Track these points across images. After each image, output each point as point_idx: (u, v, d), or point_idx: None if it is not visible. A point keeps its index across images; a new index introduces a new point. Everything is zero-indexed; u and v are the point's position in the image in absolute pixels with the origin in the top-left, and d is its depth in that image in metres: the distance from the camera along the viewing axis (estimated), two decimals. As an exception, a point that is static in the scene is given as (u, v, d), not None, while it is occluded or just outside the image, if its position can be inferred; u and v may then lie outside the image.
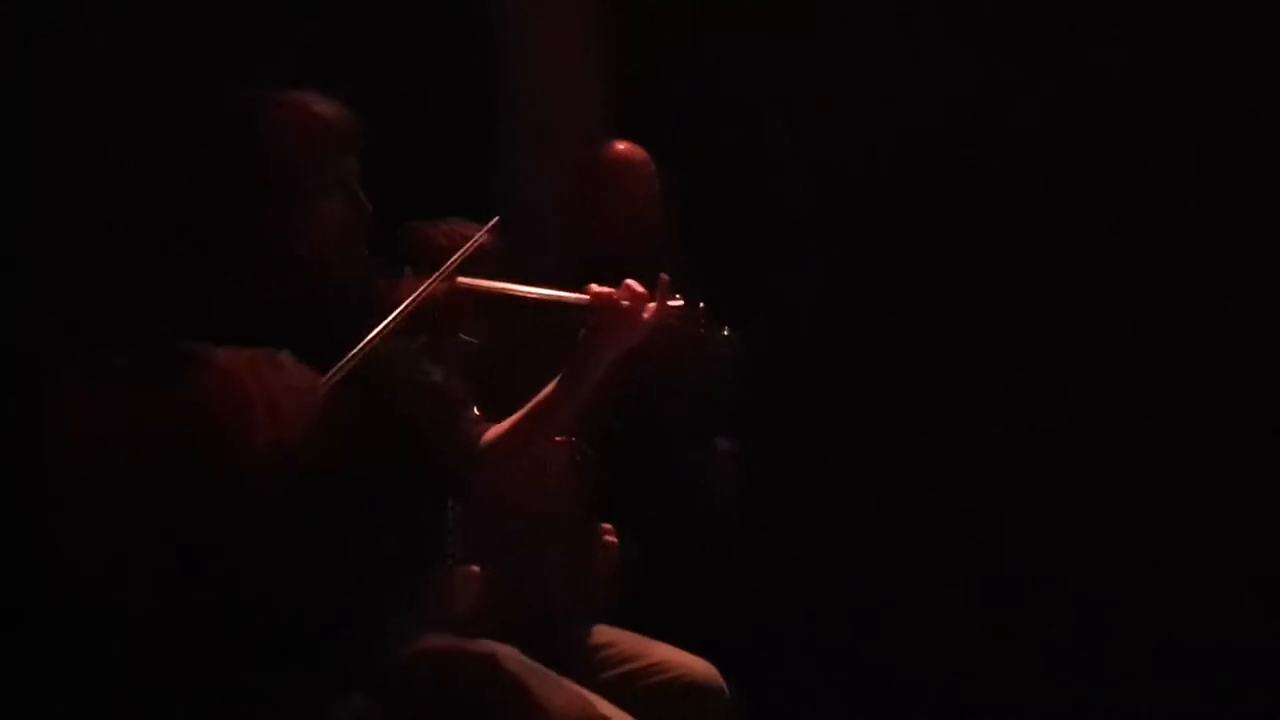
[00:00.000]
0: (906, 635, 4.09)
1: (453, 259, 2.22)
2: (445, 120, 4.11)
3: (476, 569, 2.62)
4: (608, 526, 2.83)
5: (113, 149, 3.00)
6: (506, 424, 2.27)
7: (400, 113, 3.88)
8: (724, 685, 2.65)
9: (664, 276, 2.28)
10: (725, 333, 2.35)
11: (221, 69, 3.17)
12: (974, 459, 4.18)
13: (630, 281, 2.24)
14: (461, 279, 2.23)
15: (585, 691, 2.28)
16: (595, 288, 2.23)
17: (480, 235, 2.33)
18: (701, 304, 2.33)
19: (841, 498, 4.19)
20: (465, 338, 2.27)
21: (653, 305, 2.23)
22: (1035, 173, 4.20)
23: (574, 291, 2.28)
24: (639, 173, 3.78)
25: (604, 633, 2.73)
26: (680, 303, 2.30)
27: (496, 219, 2.44)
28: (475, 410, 2.34)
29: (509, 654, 2.27)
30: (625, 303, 2.21)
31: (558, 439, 2.62)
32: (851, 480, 4.19)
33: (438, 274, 2.18)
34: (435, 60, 4.18)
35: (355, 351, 1.96)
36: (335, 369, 1.96)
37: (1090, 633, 4.07)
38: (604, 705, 2.31)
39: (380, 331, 2.00)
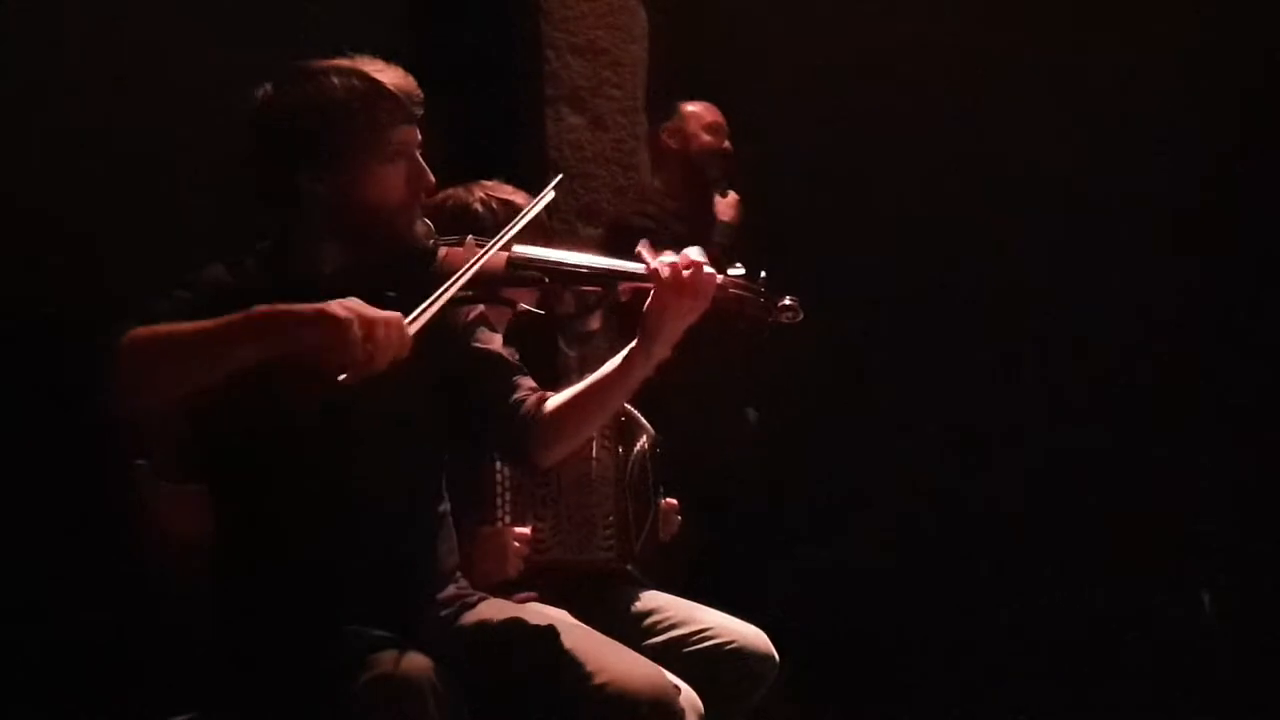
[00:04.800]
0: (948, 610, 4.11)
1: (513, 224, 2.21)
2: (484, 83, 4.10)
3: (526, 530, 2.63)
4: (673, 503, 2.83)
5: (176, 114, 3.03)
6: (569, 394, 2.25)
7: (437, 76, 3.91)
8: (774, 652, 2.64)
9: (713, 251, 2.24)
10: (787, 301, 2.30)
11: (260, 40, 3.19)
12: (1012, 439, 4.20)
13: (692, 250, 2.18)
14: (519, 250, 2.21)
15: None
16: (657, 262, 2.17)
17: (540, 199, 2.31)
18: (763, 273, 2.28)
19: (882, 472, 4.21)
20: (526, 307, 2.26)
21: (715, 275, 2.19)
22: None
23: (629, 259, 2.25)
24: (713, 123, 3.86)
25: (654, 598, 2.73)
26: (741, 270, 2.26)
27: (558, 178, 2.43)
28: (531, 379, 2.33)
29: (572, 623, 2.27)
30: (687, 273, 2.16)
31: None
32: (892, 453, 4.21)
33: (496, 240, 2.17)
34: (475, 23, 4.18)
35: (419, 311, 1.95)
36: (410, 319, 1.97)
37: (1113, 613, 4.09)
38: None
39: (442, 294, 1.99)
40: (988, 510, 4.22)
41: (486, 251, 2.15)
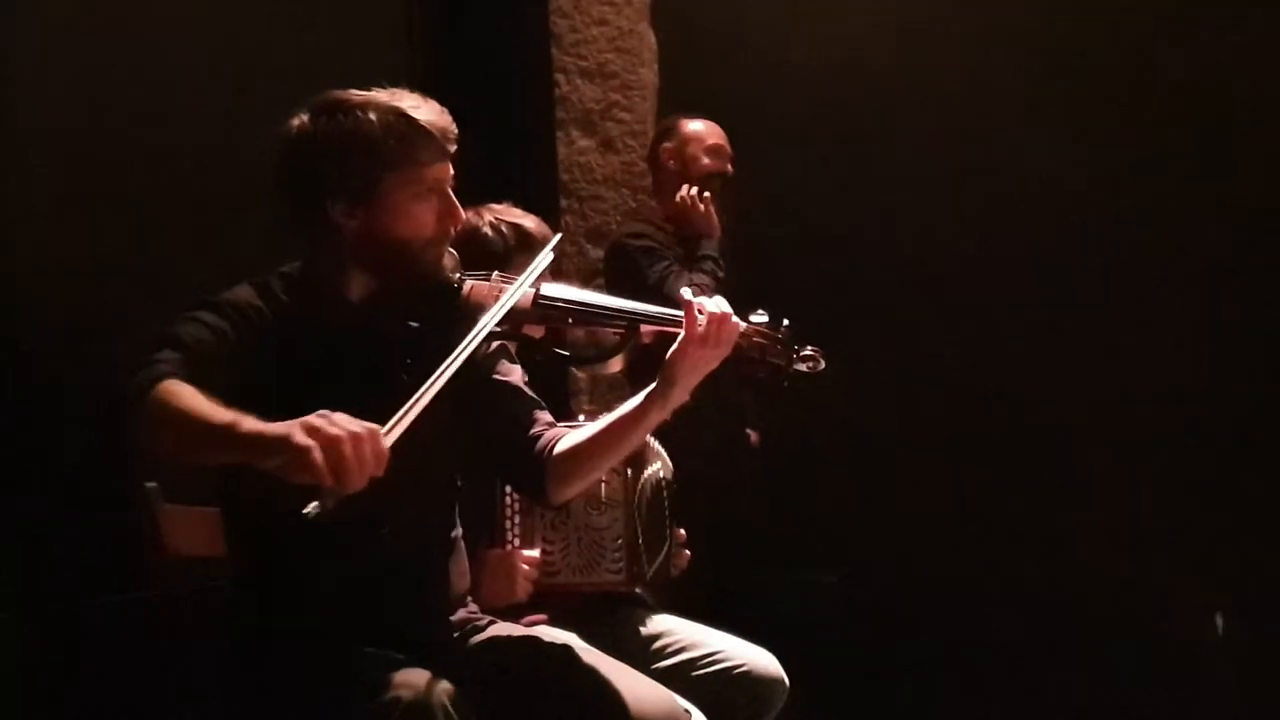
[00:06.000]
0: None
1: (535, 264, 2.21)
2: (494, 106, 4.11)
3: (535, 553, 2.63)
4: (681, 534, 2.84)
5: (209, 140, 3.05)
6: (585, 433, 2.25)
7: (447, 99, 3.92)
8: (784, 676, 2.64)
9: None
10: (808, 351, 2.29)
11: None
12: (1016, 453, 4.20)
13: (718, 299, 2.19)
14: (546, 289, 2.21)
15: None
16: (686, 309, 2.16)
17: (553, 243, 2.32)
18: (785, 321, 2.27)
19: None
20: (554, 349, 2.25)
21: (739, 325, 2.19)
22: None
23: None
24: (714, 146, 3.81)
25: (663, 621, 2.73)
26: (765, 318, 2.26)
27: (557, 237, 2.43)
28: (548, 412, 2.34)
29: (582, 646, 2.27)
30: (712, 321, 2.15)
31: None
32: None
33: (523, 279, 2.17)
34: (485, 46, 4.19)
35: (396, 419, 1.89)
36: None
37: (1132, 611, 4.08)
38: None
39: (419, 398, 1.93)
40: (994, 524, 4.21)
41: (513, 293, 2.12)
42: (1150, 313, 4.22)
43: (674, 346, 2.17)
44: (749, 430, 3.97)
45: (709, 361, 2.17)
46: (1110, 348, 4.24)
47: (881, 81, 4.37)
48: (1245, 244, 4.19)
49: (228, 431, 1.85)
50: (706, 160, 3.80)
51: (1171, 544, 4.08)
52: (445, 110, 2.20)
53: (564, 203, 4.19)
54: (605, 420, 2.25)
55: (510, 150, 4.01)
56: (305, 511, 1.77)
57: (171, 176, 3.13)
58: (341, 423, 1.80)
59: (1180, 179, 4.22)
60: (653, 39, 4.35)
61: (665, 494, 2.78)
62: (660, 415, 2.20)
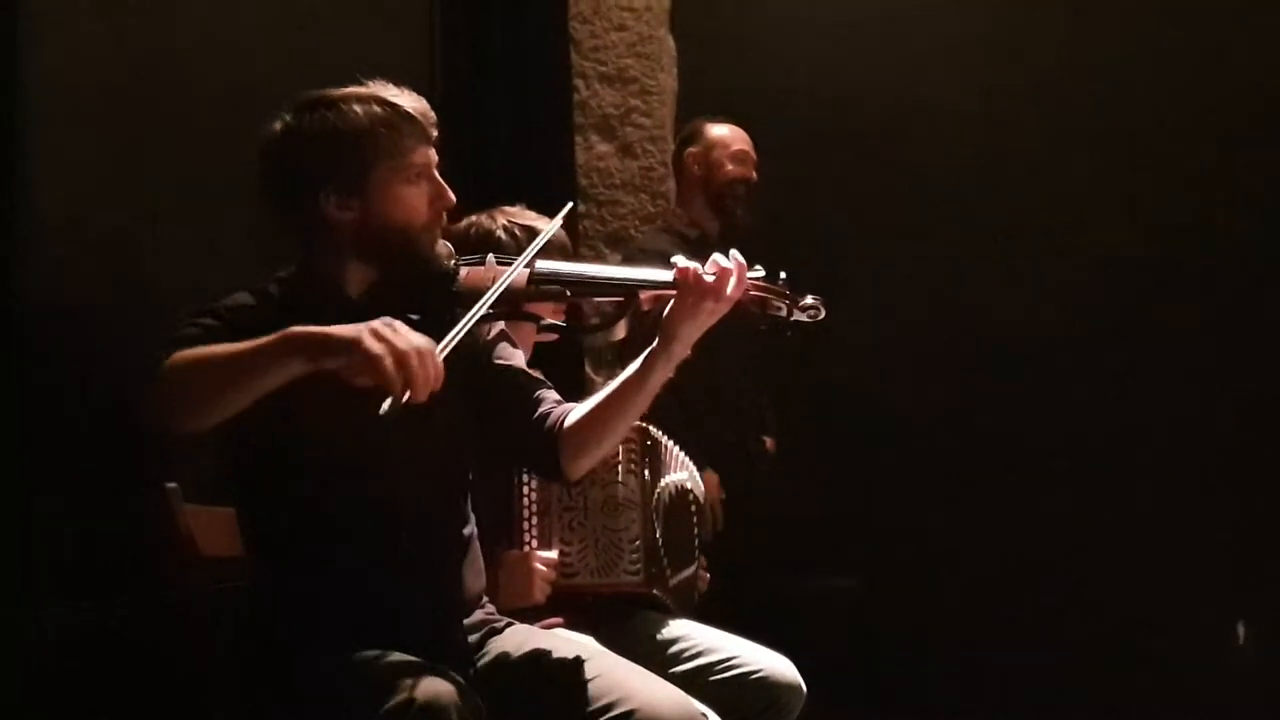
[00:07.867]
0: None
1: (533, 245, 2.22)
2: (513, 111, 4.12)
3: (552, 555, 2.63)
4: (703, 561, 2.84)
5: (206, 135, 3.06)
6: (592, 402, 2.25)
7: (467, 104, 3.95)
8: (801, 682, 2.63)
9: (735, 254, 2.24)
10: (809, 300, 2.29)
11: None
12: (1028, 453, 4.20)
13: (717, 256, 2.20)
14: (540, 265, 2.22)
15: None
16: (680, 262, 2.18)
17: (557, 220, 2.34)
18: (783, 274, 2.27)
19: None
20: (551, 322, 2.26)
21: (736, 279, 2.19)
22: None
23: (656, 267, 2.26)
24: (739, 152, 3.81)
25: (681, 625, 2.72)
26: (762, 272, 2.26)
27: (570, 205, 2.46)
28: (555, 391, 2.34)
29: (599, 649, 2.26)
30: (710, 279, 2.16)
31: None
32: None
33: (519, 262, 2.19)
34: (505, 52, 4.20)
35: (448, 340, 1.94)
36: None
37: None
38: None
39: (468, 320, 1.99)
40: (1013, 531, 4.21)
41: (511, 273, 2.15)
42: (1172, 325, 4.21)
43: (672, 300, 2.18)
44: (765, 437, 3.97)
45: (708, 313, 2.17)
46: (1132, 358, 4.24)
47: (899, 86, 4.38)
48: (1258, 251, 4.18)
49: (280, 341, 1.89)
50: (731, 166, 3.79)
51: (1192, 551, 4.06)
52: (422, 97, 2.23)
53: (582, 207, 4.21)
54: (611, 385, 2.25)
55: (529, 155, 4.01)
56: (381, 411, 1.82)
57: (182, 176, 3.14)
58: (404, 333, 1.87)
59: (1193, 186, 4.22)
60: (672, 44, 4.36)
61: (693, 508, 2.78)
62: (665, 373, 2.20)
